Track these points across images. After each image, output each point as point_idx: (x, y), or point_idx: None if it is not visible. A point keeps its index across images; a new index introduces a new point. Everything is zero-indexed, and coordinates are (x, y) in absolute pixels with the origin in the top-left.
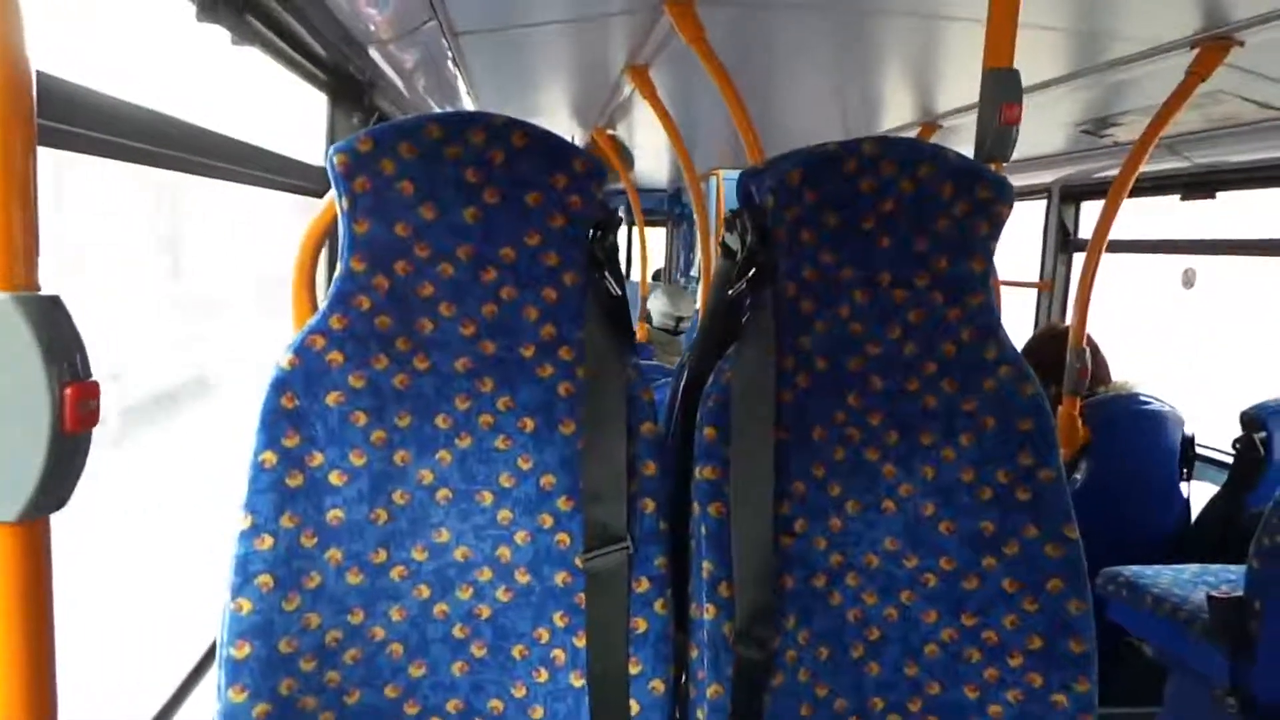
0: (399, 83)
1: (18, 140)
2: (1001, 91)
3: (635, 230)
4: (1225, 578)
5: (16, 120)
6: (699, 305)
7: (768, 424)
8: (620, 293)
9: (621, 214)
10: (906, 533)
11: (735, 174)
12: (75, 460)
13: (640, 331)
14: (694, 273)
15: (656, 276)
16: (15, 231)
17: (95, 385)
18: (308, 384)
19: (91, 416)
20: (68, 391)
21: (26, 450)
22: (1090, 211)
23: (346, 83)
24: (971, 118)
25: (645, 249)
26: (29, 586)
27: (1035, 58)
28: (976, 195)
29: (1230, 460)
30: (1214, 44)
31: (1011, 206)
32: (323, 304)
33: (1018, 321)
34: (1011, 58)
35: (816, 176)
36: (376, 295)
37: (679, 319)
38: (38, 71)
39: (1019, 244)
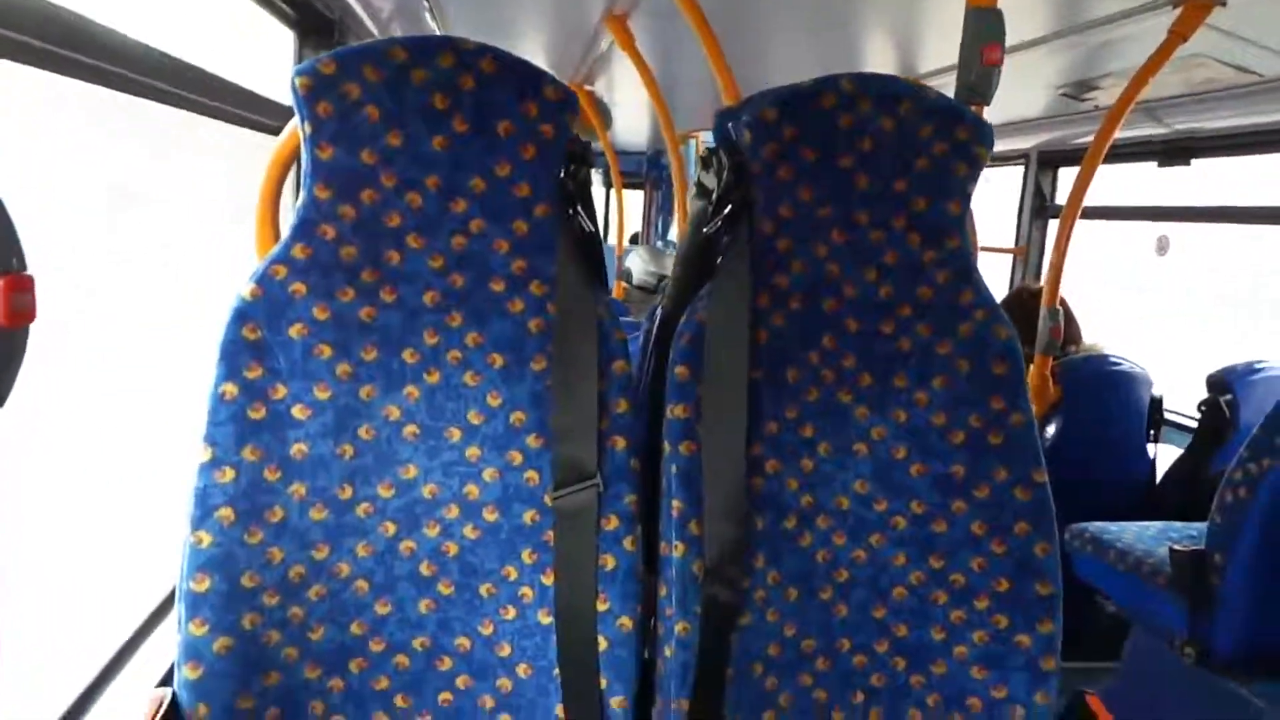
0: (372, 26)
1: None
2: (984, 31)
3: (613, 193)
4: (1187, 534)
5: None
6: None
7: (742, 363)
8: (593, 229)
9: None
10: (877, 475)
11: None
12: (12, 355)
13: (617, 290)
14: (671, 237)
15: (634, 240)
16: None
17: (29, 278)
18: (270, 315)
19: (27, 312)
20: (1, 284)
21: None
22: (1067, 178)
23: (315, 20)
24: (953, 77)
25: (622, 211)
26: None
27: (1016, 16)
28: (956, 136)
29: (1195, 424)
30: (1196, 3)
31: (991, 148)
32: (285, 233)
33: (992, 287)
34: None
35: (794, 112)
36: (342, 224)
37: (660, 276)
38: None
39: (996, 209)
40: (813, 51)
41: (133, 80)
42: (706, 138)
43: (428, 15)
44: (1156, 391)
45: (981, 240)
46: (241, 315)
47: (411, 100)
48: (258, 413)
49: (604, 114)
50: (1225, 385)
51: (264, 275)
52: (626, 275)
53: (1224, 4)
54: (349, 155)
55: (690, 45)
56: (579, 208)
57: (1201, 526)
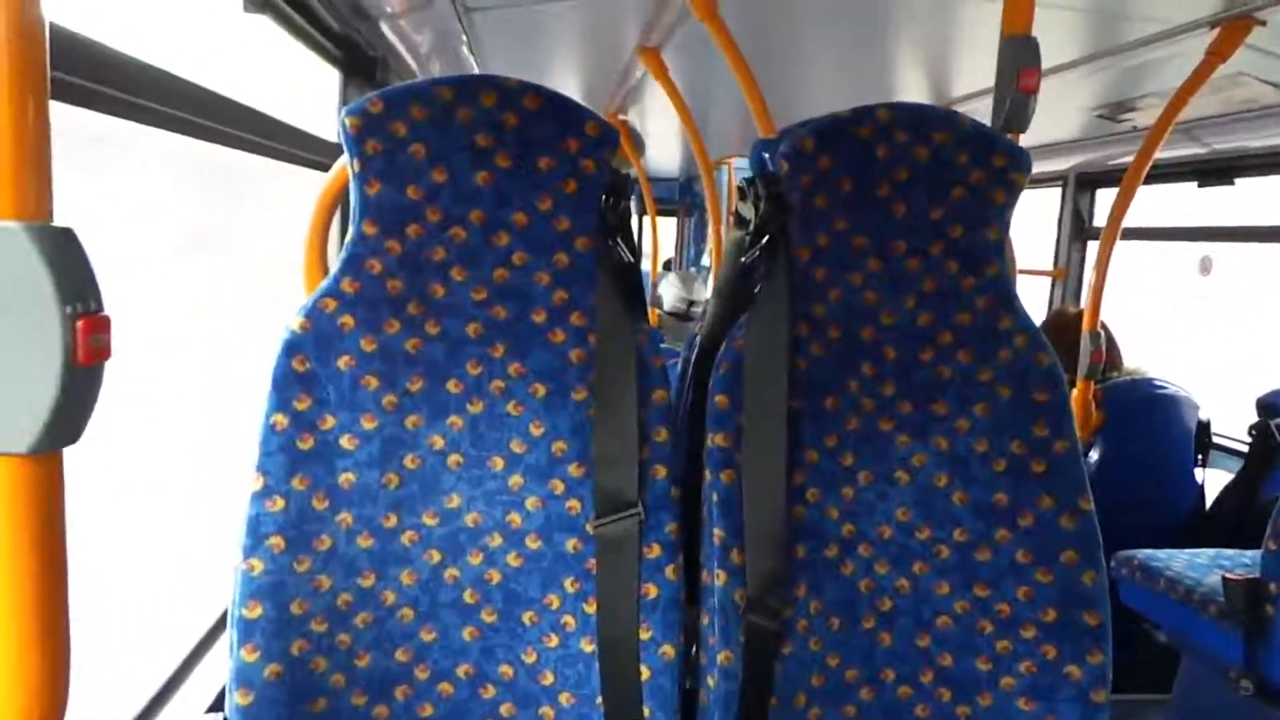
0: (412, 63)
1: (30, 73)
2: (1019, 59)
3: (647, 219)
4: (1240, 562)
5: (30, 52)
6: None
7: (781, 391)
8: (632, 259)
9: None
10: (919, 504)
11: (747, 161)
12: (88, 394)
13: (651, 317)
14: (704, 262)
15: (667, 266)
16: (27, 162)
17: (107, 319)
18: (319, 347)
19: (103, 350)
20: (79, 324)
21: (38, 382)
22: (1106, 199)
23: (358, 58)
24: (987, 101)
25: (657, 238)
26: (42, 519)
27: (1053, 39)
28: (992, 163)
29: (1246, 448)
30: (1234, 23)
31: (1028, 174)
32: (334, 268)
33: (1032, 310)
34: (1029, 25)
35: (830, 142)
36: (388, 259)
37: (691, 303)
38: (51, 23)
39: (1033, 232)
40: (846, 78)
41: (186, 120)
42: (739, 164)
43: (465, 50)
44: (1203, 415)
45: (1019, 263)
46: (291, 348)
47: (456, 138)
48: (306, 443)
49: (637, 143)
50: (1276, 408)
51: (313, 309)
52: (658, 302)
53: (1264, 24)
54: (396, 192)
55: (722, 74)
56: (619, 239)
57: (1255, 554)
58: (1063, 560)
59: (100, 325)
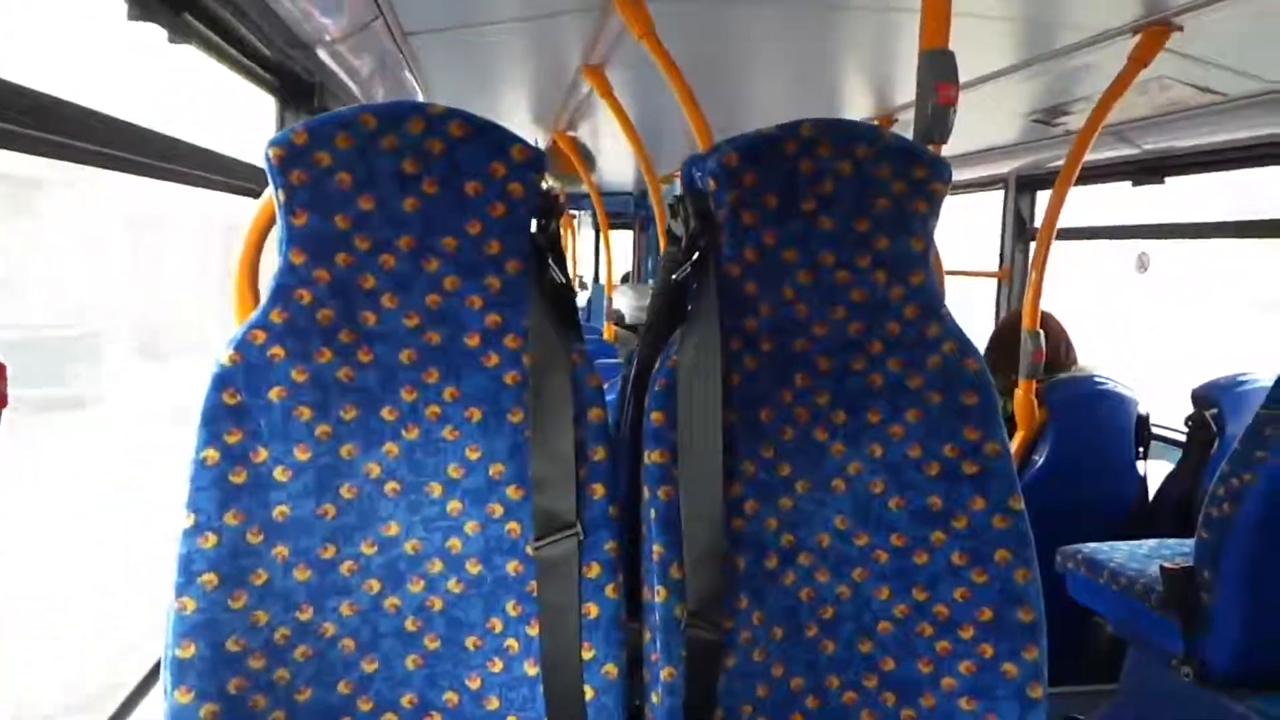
0: (354, 87)
1: None
2: (937, 72)
3: (600, 234)
4: (1180, 551)
5: None
6: None
7: (715, 406)
8: (564, 279)
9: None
10: (856, 511)
11: None
12: None
13: (608, 332)
14: None
15: (625, 280)
16: None
17: (2, 367)
18: (249, 379)
19: None
20: None
21: None
22: (1045, 201)
23: (295, 84)
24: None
25: (609, 251)
26: None
27: (984, 48)
28: (913, 175)
29: (1184, 439)
30: (1154, 29)
31: (949, 184)
32: (263, 299)
33: (983, 310)
34: (946, 39)
35: (755, 158)
36: (317, 288)
37: (645, 310)
38: None
39: (983, 233)
40: (787, 92)
41: (112, 156)
42: None
43: (407, 73)
44: (1143, 409)
45: (967, 263)
46: (221, 381)
47: (382, 165)
48: (239, 476)
49: (587, 158)
50: (1210, 399)
51: (242, 341)
52: (618, 317)
53: (1180, 29)
54: (323, 220)
55: (666, 91)
56: (550, 260)
57: (1192, 543)
58: (997, 560)
59: None
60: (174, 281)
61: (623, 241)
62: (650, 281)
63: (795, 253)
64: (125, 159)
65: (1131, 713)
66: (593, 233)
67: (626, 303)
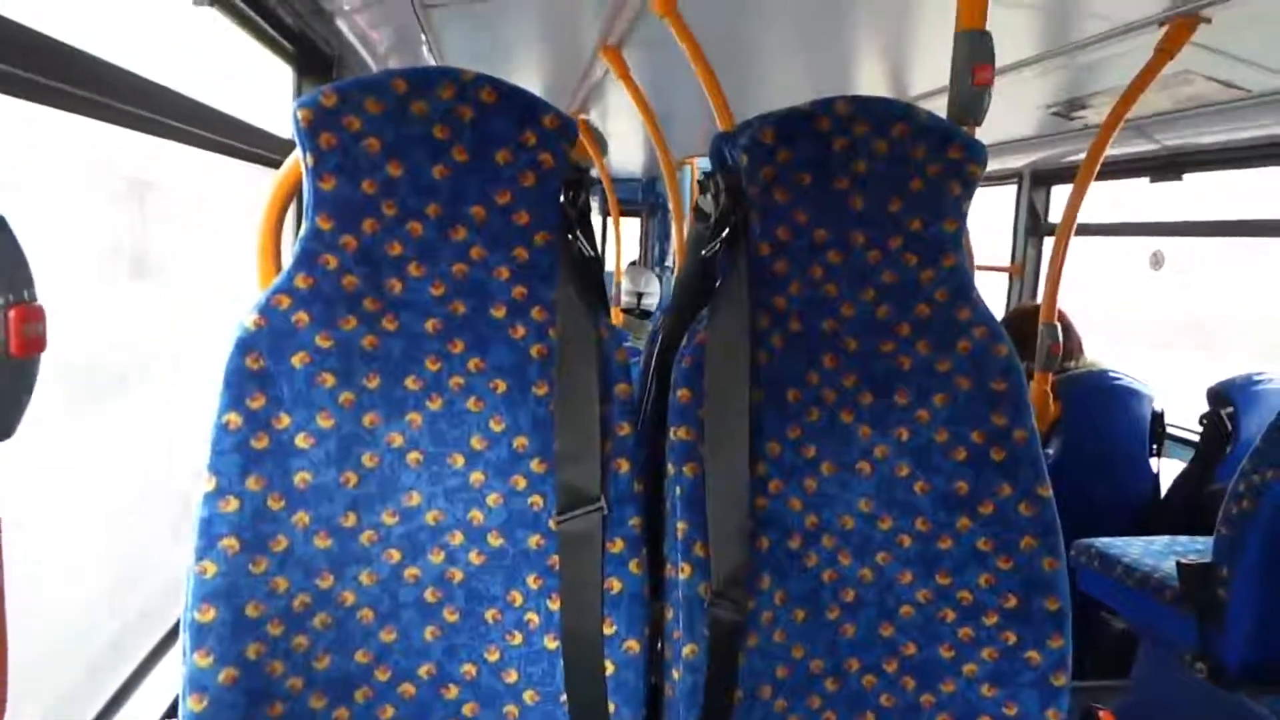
0: (370, 61)
1: None
2: (973, 53)
3: (610, 219)
4: (1193, 548)
5: None
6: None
7: (742, 385)
8: (592, 253)
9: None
10: (881, 494)
11: (709, 162)
12: (22, 385)
13: (616, 316)
14: (668, 263)
15: (633, 265)
16: None
17: (40, 309)
18: (273, 344)
19: (37, 341)
20: (11, 314)
21: None
22: (1061, 196)
23: (313, 55)
24: (944, 99)
25: (620, 238)
26: None
27: (1006, 37)
28: (948, 156)
29: (1198, 438)
30: (1182, 20)
31: (984, 167)
32: (288, 263)
33: (991, 306)
34: (984, 20)
35: (789, 135)
36: (344, 254)
37: (639, 295)
38: None
39: (991, 229)
40: (806, 77)
41: (133, 114)
42: (702, 163)
43: (425, 49)
44: (1157, 406)
45: (976, 259)
46: (245, 345)
47: (412, 131)
48: (261, 442)
49: (600, 142)
50: (1226, 398)
51: (267, 305)
52: (626, 304)
53: (1209, 21)
54: (350, 186)
55: (684, 72)
56: (578, 233)
57: (1208, 540)
58: (1022, 547)
59: (33, 315)
60: None
61: (628, 229)
62: (656, 268)
63: (826, 232)
64: (145, 117)
65: (1143, 708)
66: (600, 219)
67: (624, 286)
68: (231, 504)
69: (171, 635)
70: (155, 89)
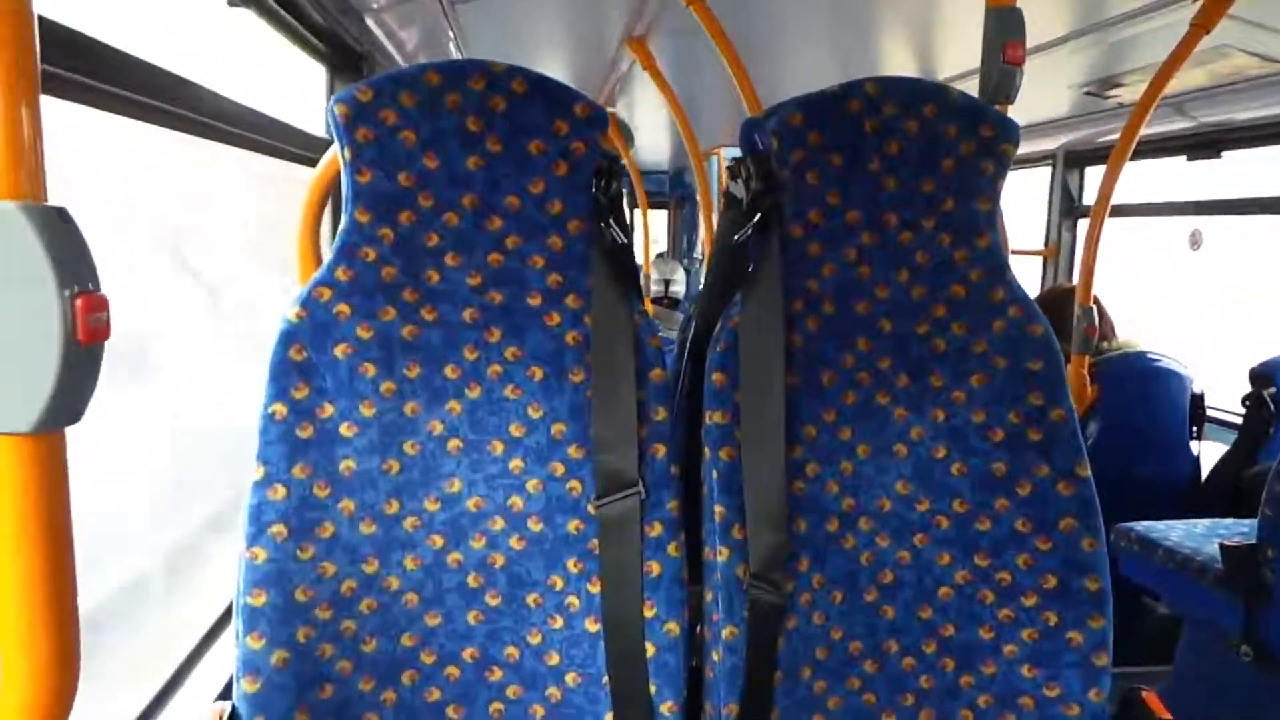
0: (399, 58)
1: (22, 60)
2: (1005, 29)
3: (638, 211)
4: (1238, 530)
5: (22, 41)
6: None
7: (778, 368)
8: (625, 240)
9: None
10: (918, 476)
11: (737, 152)
12: (88, 373)
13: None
14: (697, 254)
15: (661, 258)
16: (22, 142)
17: (104, 298)
18: (316, 336)
19: (103, 329)
20: (78, 303)
21: (39, 362)
22: (1095, 177)
23: (345, 53)
24: (973, 82)
25: (648, 229)
26: (46, 498)
27: (1038, 14)
28: (981, 135)
29: (1239, 420)
30: None
31: (1017, 145)
32: (328, 256)
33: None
34: None
35: (819, 118)
36: (382, 246)
37: (666, 283)
38: (40, 16)
39: (1023, 211)
40: (833, 61)
41: (174, 114)
42: (728, 153)
43: (452, 45)
44: (1197, 388)
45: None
46: (288, 337)
47: (446, 123)
48: (306, 431)
49: (626, 135)
50: (1268, 378)
51: (308, 298)
52: (655, 295)
53: None
54: (387, 179)
55: (710, 62)
56: (611, 221)
57: (1251, 522)
58: (1061, 527)
59: (98, 304)
60: None
61: (655, 221)
62: (684, 259)
63: (859, 214)
64: (187, 117)
65: (1187, 693)
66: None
67: (652, 276)
68: (279, 492)
69: (224, 618)
70: (196, 90)
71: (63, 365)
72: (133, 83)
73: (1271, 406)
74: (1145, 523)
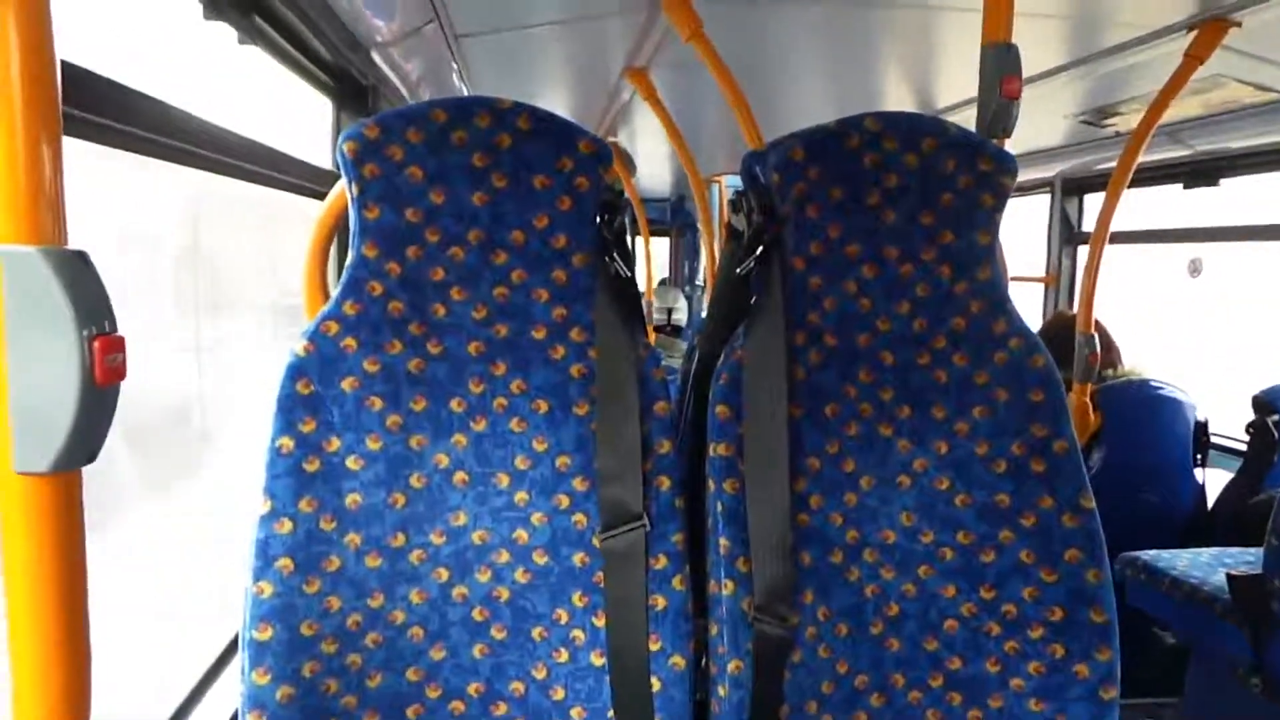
0: (403, 90)
1: (44, 107)
2: (1001, 66)
3: (640, 240)
4: (1244, 560)
5: (43, 88)
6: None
7: (781, 400)
8: (629, 273)
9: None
10: (922, 507)
11: (738, 179)
12: (104, 413)
13: (649, 335)
14: (699, 281)
15: (664, 284)
16: (42, 191)
17: (121, 339)
18: (323, 370)
19: (119, 370)
20: (96, 344)
21: (58, 402)
22: (1094, 203)
23: (351, 87)
24: (970, 111)
25: (650, 258)
26: (62, 536)
27: (1033, 47)
28: (979, 168)
29: (1244, 447)
30: (1211, 25)
31: (1015, 177)
32: (335, 291)
33: (1026, 316)
34: (1009, 33)
35: (819, 152)
36: (389, 280)
37: (669, 310)
38: (61, 60)
39: (1024, 238)
40: (832, 92)
41: (186, 151)
42: (730, 181)
43: (455, 77)
44: (1200, 415)
45: (1009, 269)
46: (295, 371)
47: (452, 159)
48: (312, 465)
49: (628, 164)
50: (1272, 405)
51: (315, 332)
52: (657, 324)
53: (1239, 25)
54: (394, 214)
55: (710, 92)
56: (615, 254)
57: (1258, 551)
58: (1066, 559)
59: (115, 345)
60: None
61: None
62: (686, 287)
63: (859, 247)
64: (198, 154)
65: None
66: (630, 239)
67: (654, 305)
68: (286, 526)
69: (229, 652)
70: (207, 127)
71: (80, 406)
72: (144, 121)
73: (1275, 434)
74: (1152, 551)
